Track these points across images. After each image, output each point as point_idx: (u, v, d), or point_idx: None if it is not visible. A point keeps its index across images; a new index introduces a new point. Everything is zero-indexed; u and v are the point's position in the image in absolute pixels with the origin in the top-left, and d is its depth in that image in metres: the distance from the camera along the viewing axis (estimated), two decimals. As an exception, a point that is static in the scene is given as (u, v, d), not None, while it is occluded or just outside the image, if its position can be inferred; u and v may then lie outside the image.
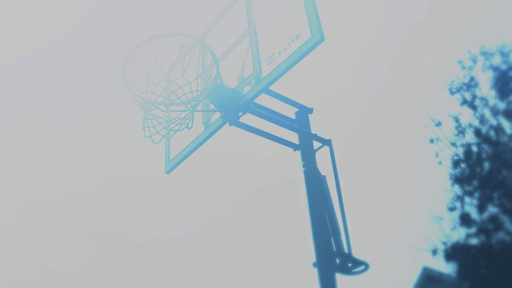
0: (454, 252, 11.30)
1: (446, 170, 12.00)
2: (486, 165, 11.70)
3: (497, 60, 12.22)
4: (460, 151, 12.03)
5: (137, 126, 3.91)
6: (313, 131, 4.13)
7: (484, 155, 11.78)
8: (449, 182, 11.89)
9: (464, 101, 12.35)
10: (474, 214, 11.33)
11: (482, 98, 12.26)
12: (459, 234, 11.39)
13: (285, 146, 4.16)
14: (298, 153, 4.07)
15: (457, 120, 12.31)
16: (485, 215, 11.14)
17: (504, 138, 11.57)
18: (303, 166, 3.93)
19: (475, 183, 11.56)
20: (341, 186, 3.96)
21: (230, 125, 3.94)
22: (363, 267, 3.68)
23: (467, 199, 11.53)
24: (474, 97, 12.34)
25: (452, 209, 11.62)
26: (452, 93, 12.53)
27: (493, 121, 11.90)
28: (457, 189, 11.77)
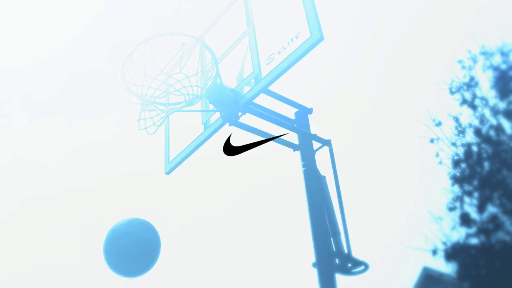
0: (454, 252, 11.29)
1: (446, 170, 12.01)
2: (486, 165, 11.69)
3: (497, 60, 12.22)
4: (460, 151, 12.02)
5: (136, 124, 3.89)
6: (312, 131, 4.12)
7: (484, 155, 11.78)
8: (449, 182, 11.89)
9: (464, 101, 12.33)
10: (474, 214, 11.33)
11: (482, 98, 12.26)
12: (459, 234, 11.39)
13: (284, 146, 4.15)
14: (297, 153, 4.06)
15: (457, 120, 12.30)
16: (485, 215, 11.14)
17: (504, 138, 11.57)
18: (303, 166, 3.92)
19: (475, 183, 11.56)
20: (340, 186, 3.96)
21: (229, 125, 3.93)
22: (362, 267, 3.67)
23: (467, 199, 11.53)
24: (474, 97, 12.33)
25: (452, 209, 11.62)
26: (452, 93, 12.51)
27: (493, 121, 11.89)
28: (457, 189, 11.78)
